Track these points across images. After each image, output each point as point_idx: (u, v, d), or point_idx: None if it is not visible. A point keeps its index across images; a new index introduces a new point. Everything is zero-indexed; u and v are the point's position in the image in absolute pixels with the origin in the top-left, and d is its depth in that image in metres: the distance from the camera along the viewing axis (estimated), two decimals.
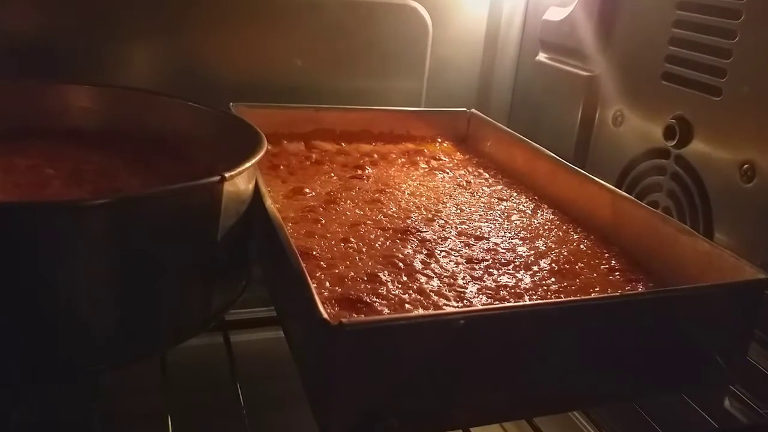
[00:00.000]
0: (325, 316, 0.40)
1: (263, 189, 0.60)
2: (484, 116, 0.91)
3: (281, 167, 0.78)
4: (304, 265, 0.54)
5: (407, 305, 0.51)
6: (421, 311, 0.48)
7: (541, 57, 0.95)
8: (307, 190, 0.71)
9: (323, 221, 0.64)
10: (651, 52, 0.77)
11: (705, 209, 0.72)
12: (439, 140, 0.91)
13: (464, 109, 0.92)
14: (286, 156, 0.82)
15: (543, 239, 0.66)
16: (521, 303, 0.50)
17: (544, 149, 0.78)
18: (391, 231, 0.64)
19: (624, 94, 0.82)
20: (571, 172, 0.73)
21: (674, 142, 0.74)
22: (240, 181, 0.54)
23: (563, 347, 0.46)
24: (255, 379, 0.59)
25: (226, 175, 0.50)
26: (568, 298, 0.52)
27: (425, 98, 0.99)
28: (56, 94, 0.71)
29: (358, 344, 0.40)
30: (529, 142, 0.81)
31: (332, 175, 0.77)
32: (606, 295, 0.53)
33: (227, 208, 0.52)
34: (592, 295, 0.55)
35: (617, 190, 0.68)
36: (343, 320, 0.40)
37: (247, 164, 0.53)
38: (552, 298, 0.54)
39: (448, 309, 0.51)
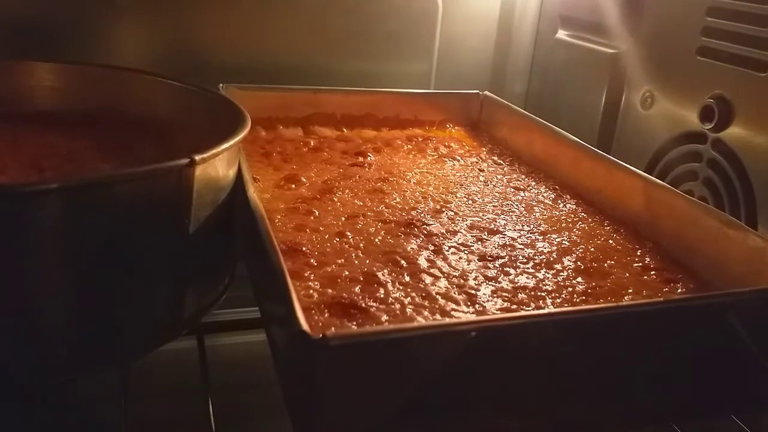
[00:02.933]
0: (305, 327, 0.33)
1: (247, 175, 0.53)
2: (499, 99, 0.85)
3: (275, 154, 0.71)
4: (289, 263, 0.47)
5: (409, 311, 0.44)
6: (423, 321, 0.40)
7: (561, 34, 0.89)
8: (302, 179, 0.64)
9: (317, 213, 0.57)
10: (685, 25, 0.70)
11: (747, 199, 0.64)
12: (450, 125, 0.85)
13: (477, 91, 0.86)
14: (281, 142, 0.75)
15: (566, 233, 0.58)
16: (544, 311, 0.42)
17: (566, 133, 0.71)
18: (393, 224, 0.56)
19: (654, 72, 0.75)
20: (597, 158, 0.66)
21: (712, 125, 0.67)
22: (216, 165, 0.47)
23: (593, 363, 0.39)
24: (231, 388, 0.53)
25: (197, 157, 0.43)
26: (601, 305, 0.44)
27: (434, 80, 0.93)
28: (23, 73, 0.65)
29: (344, 361, 0.33)
30: (549, 126, 0.74)
31: (331, 162, 0.70)
32: (645, 301, 0.45)
33: (201, 197, 0.45)
34: (628, 300, 0.47)
35: (650, 177, 0.61)
36: (327, 333, 0.32)
37: (224, 146, 0.45)
38: (578, 302, 0.47)
39: (458, 316, 0.43)
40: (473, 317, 0.41)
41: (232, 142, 0.46)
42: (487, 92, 0.86)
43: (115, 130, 0.63)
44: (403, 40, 0.90)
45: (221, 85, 0.75)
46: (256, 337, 0.68)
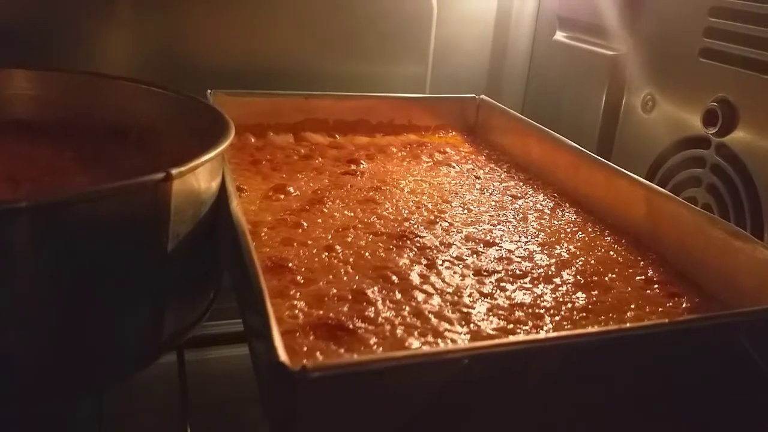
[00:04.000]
0: (284, 359, 0.31)
1: (231, 187, 0.50)
2: (496, 103, 0.83)
3: (264, 162, 0.69)
4: (274, 281, 0.45)
5: (400, 332, 0.41)
6: (415, 342, 0.38)
7: (559, 36, 0.87)
8: (291, 189, 0.62)
9: (305, 225, 0.55)
10: (687, 25, 0.68)
11: (753, 207, 0.62)
12: (445, 131, 0.83)
13: (473, 95, 0.84)
14: (271, 149, 0.73)
15: (565, 244, 0.56)
16: (542, 336, 0.40)
17: (565, 139, 0.69)
18: (384, 236, 0.54)
19: (655, 75, 0.73)
20: (597, 164, 0.64)
21: (716, 129, 0.65)
22: (196, 178, 0.44)
23: (595, 388, 0.36)
24: (212, 406, 0.50)
25: (173, 171, 0.40)
26: (602, 329, 0.41)
27: (429, 84, 0.90)
28: (0, 81, 0.62)
29: (325, 393, 0.31)
30: (547, 131, 0.72)
31: (322, 170, 0.68)
32: (650, 323, 0.42)
33: (180, 212, 0.43)
34: (630, 316, 0.45)
35: (652, 185, 0.59)
36: (307, 365, 0.30)
37: (203, 158, 0.43)
38: (578, 319, 0.45)
39: (451, 337, 0.41)
40: (465, 344, 0.38)
41: (212, 154, 0.44)
42: (483, 96, 0.84)
43: (96, 140, 0.61)
44: (397, 43, 0.88)
45: (209, 91, 0.73)
46: (240, 350, 0.66)
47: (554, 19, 0.87)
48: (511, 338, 0.39)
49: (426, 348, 0.38)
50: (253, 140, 0.74)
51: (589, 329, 0.41)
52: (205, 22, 0.80)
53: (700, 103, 0.66)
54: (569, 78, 0.84)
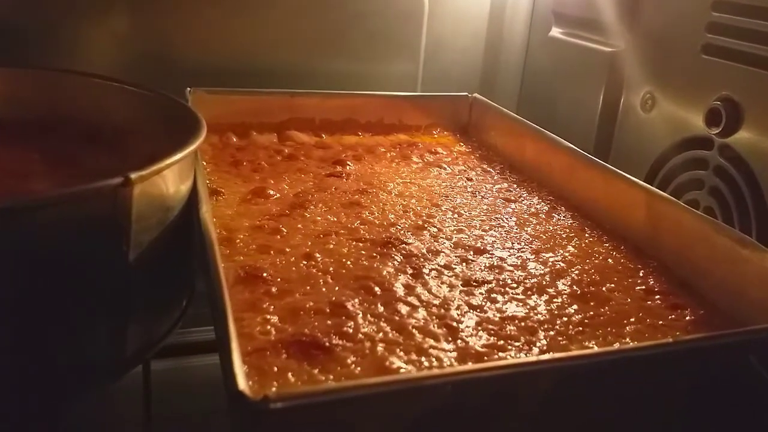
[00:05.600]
0: (243, 387, 0.27)
1: (202, 191, 0.47)
2: (489, 102, 0.80)
3: (245, 163, 0.65)
4: (246, 293, 0.42)
5: (380, 350, 0.38)
6: (385, 377, 0.33)
7: (555, 32, 0.84)
8: (272, 192, 0.59)
9: (285, 231, 0.51)
10: (688, 20, 0.65)
11: (759, 211, 0.59)
12: (437, 130, 0.80)
13: (466, 93, 0.82)
14: (253, 150, 0.70)
15: (560, 251, 0.53)
16: (533, 358, 0.37)
17: (561, 139, 0.67)
18: (368, 243, 0.51)
19: (655, 72, 0.70)
20: (594, 166, 0.62)
21: (719, 129, 0.62)
22: (162, 182, 0.41)
23: (593, 414, 0.33)
24: (177, 420, 0.47)
25: (133, 176, 0.37)
26: (599, 350, 0.38)
27: (421, 82, 0.88)
28: None
29: (290, 425, 0.27)
30: (542, 131, 0.70)
31: (306, 172, 0.65)
32: (652, 343, 0.39)
33: (142, 219, 0.40)
34: (630, 330, 0.41)
35: (653, 188, 0.56)
36: (269, 394, 0.27)
37: (168, 161, 0.40)
38: (574, 334, 0.41)
39: (436, 354, 0.37)
40: (447, 369, 0.35)
41: (177, 156, 0.41)
42: (476, 95, 0.82)
43: (66, 141, 0.58)
44: (388, 40, 0.85)
45: (188, 89, 0.70)
46: (210, 359, 0.63)
47: (550, 15, 0.85)
48: (500, 362, 0.35)
49: (404, 372, 0.35)
50: (235, 140, 0.71)
51: (586, 351, 0.38)
52: (189, 19, 0.77)
53: (702, 101, 0.64)
54: (565, 76, 0.82)
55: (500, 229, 0.56)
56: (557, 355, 0.36)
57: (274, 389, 0.33)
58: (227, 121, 0.72)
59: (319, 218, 0.54)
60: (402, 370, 0.36)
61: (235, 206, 0.55)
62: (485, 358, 0.38)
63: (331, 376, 0.35)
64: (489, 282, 0.47)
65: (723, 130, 0.61)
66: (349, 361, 0.37)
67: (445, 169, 0.69)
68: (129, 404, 0.52)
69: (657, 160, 0.69)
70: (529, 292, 0.46)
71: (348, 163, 0.68)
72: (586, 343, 0.41)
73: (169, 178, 0.42)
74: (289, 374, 0.35)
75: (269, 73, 0.80)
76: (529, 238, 0.54)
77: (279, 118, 0.75)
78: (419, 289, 0.45)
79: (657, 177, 0.69)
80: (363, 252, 0.49)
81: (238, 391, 0.27)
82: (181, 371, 0.65)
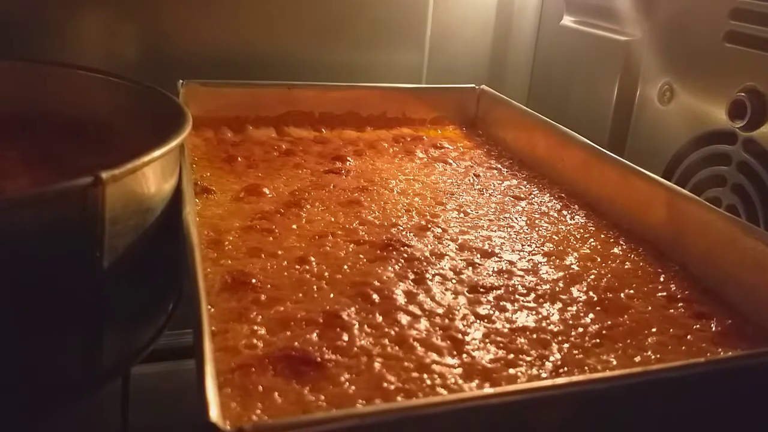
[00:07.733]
0: (215, 418, 0.24)
1: (187, 190, 0.44)
2: (498, 94, 0.78)
3: (240, 159, 0.62)
4: (233, 302, 0.39)
5: (377, 365, 0.34)
6: (375, 405, 0.30)
7: (567, 20, 0.82)
8: (266, 190, 0.56)
9: (277, 232, 0.48)
10: (710, 6, 0.62)
11: None
12: (442, 124, 0.78)
13: (473, 85, 0.80)
14: (248, 145, 0.67)
15: (574, 254, 0.49)
16: (548, 383, 0.33)
17: (573, 133, 0.64)
18: (367, 245, 0.47)
19: (673, 62, 0.68)
20: (609, 161, 0.59)
21: (743, 123, 0.59)
22: (139, 181, 0.38)
23: None
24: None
25: (104, 175, 0.34)
26: (622, 372, 0.34)
27: (426, 73, 0.86)
28: None
29: None
30: (554, 125, 0.67)
31: (303, 168, 0.61)
32: (681, 363, 0.34)
33: (117, 222, 0.36)
34: (651, 342, 0.38)
35: (674, 186, 0.53)
36: (245, 426, 0.23)
37: (145, 158, 0.36)
38: (591, 347, 0.38)
39: (439, 371, 0.34)
40: (448, 396, 0.31)
41: (156, 153, 0.37)
42: (484, 86, 0.79)
43: (48, 137, 0.55)
44: (391, 29, 0.83)
45: (181, 81, 0.67)
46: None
47: (561, 2, 0.83)
48: (509, 387, 0.31)
49: (400, 401, 0.31)
50: (230, 135, 0.68)
51: (604, 373, 0.34)
52: (183, 7, 0.75)
53: (725, 93, 0.61)
54: (578, 66, 0.80)
55: (509, 229, 0.52)
56: (572, 378, 0.32)
57: (255, 417, 0.29)
58: (222, 114, 0.69)
59: (315, 218, 0.51)
60: (400, 395, 0.32)
61: (226, 205, 0.52)
62: (494, 375, 0.35)
63: (322, 397, 0.32)
64: (497, 288, 0.43)
65: (747, 123, 0.58)
66: (342, 378, 0.33)
67: (450, 165, 0.66)
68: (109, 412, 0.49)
69: (675, 155, 0.66)
70: (540, 300, 0.43)
71: (348, 158, 0.65)
72: (604, 357, 0.37)
73: (150, 177, 0.39)
74: (276, 394, 0.32)
75: (266, 63, 0.77)
76: (540, 240, 0.51)
77: (276, 111, 0.72)
78: (421, 297, 0.42)
79: (675, 173, 0.66)
80: (361, 255, 0.46)
81: (208, 422, 0.24)
82: (173, 375, 0.62)
